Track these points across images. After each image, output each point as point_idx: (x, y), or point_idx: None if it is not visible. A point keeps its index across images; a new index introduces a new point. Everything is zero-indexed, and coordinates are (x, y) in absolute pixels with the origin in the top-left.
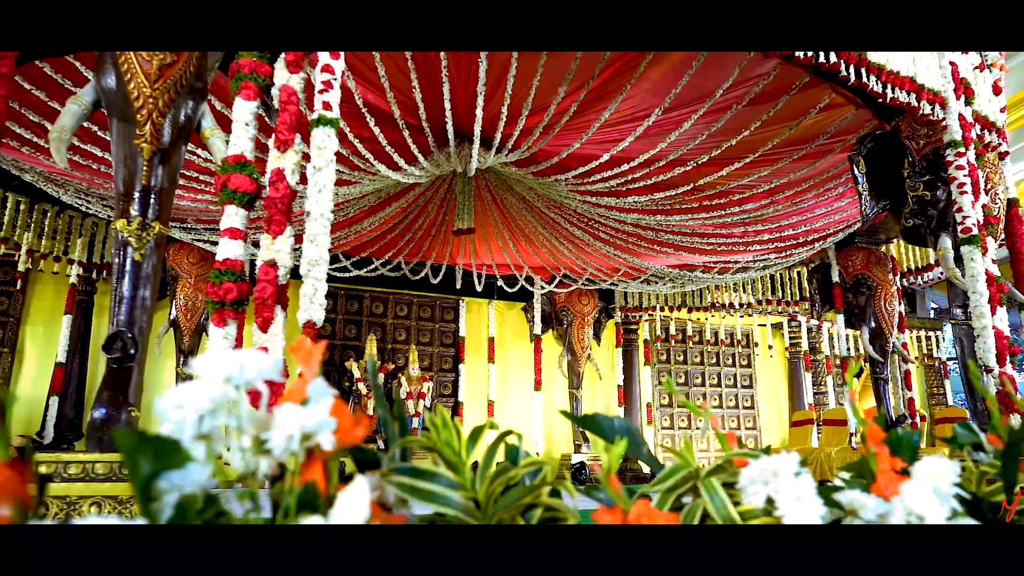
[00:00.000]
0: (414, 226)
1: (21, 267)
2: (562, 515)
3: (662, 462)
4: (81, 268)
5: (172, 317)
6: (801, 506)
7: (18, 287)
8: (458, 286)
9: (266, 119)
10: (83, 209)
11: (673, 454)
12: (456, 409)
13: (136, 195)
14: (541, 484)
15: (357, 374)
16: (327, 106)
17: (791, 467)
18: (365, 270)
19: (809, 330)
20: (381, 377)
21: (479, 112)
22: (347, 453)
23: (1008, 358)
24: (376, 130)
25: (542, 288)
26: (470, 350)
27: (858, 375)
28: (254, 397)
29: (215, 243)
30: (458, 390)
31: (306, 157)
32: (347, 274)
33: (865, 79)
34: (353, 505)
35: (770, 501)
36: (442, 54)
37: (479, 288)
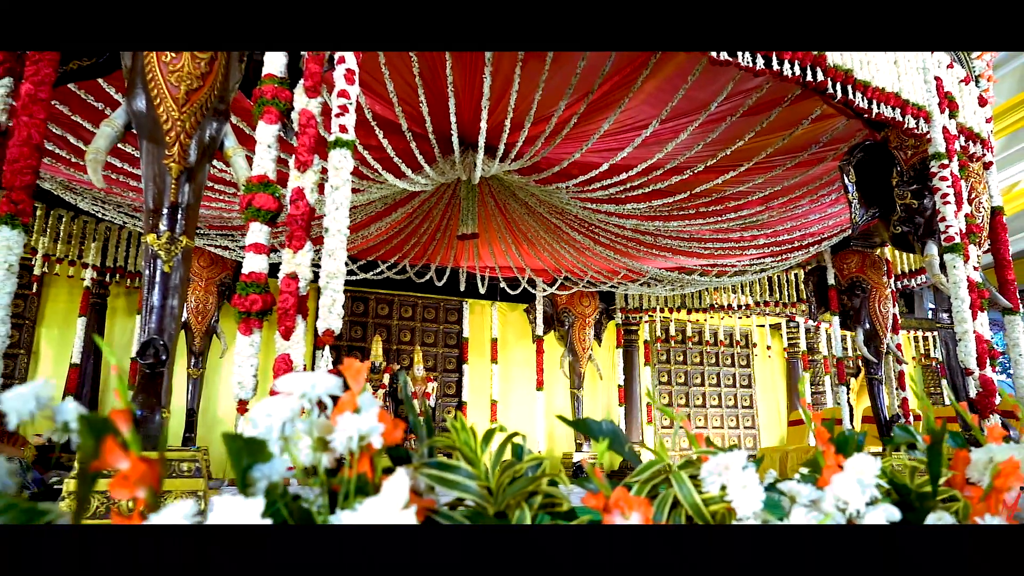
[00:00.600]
0: (419, 231)
1: (37, 271)
2: (558, 500)
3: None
4: (95, 272)
5: (183, 319)
6: (746, 492)
7: (34, 290)
8: (462, 288)
9: (284, 138)
10: (98, 215)
11: (650, 451)
12: (460, 408)
13: (165, 211)
14: (541, 476)
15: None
16: (343, 129)
17: (740, 462)
18: (371, 273)
19: (807, 331)
20: (386, 377)
21: (483, 124)
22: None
23: (988, 361)
24: (385, 142)
25: (544, 290)
26: (473, 351)
27: (856, 374)
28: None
29: (226, 247)
30: (462, 390)
31: (323, 171)
32: (353, 277)
33: (851, 96)
34: (395, 491)
35: (724, 488)
36: (448, 70)
37: (482, 290)
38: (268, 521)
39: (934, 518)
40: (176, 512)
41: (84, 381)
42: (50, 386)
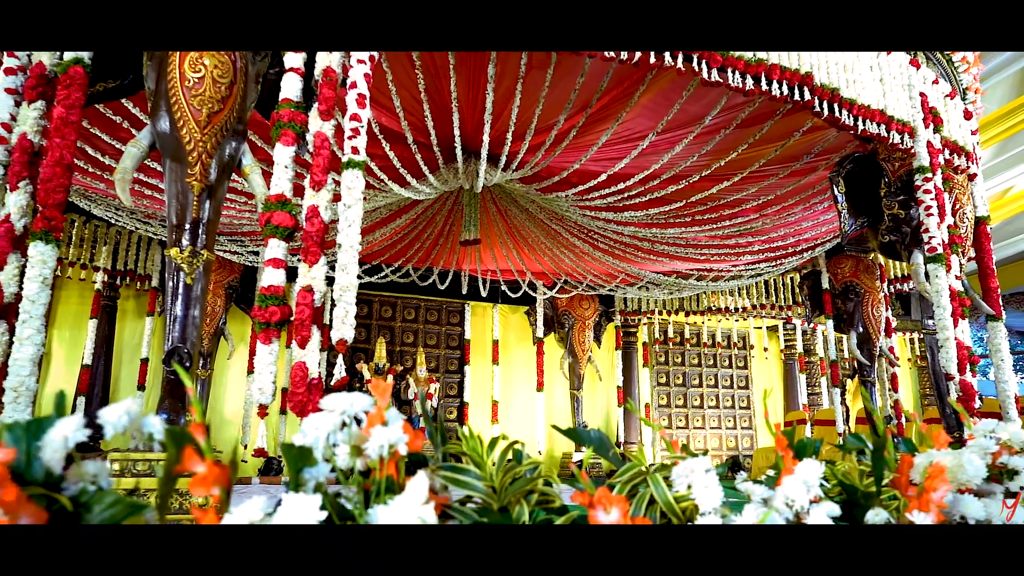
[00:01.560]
0: (423, 236)
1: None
2: (551, 497)
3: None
4: (106, 275)
5: None
6: (707, 491)
7: None
8: (464, 291)
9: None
10: (110, 220)
11: (629, 456)
12: (462, 409)
13: (187, 227)
14: (537, 477)
15: (367, 375)
16: (355, 151)
17: (703, 467)
18: (376, 277)
19: (804, 333)
20: (390, 379)
21: (486, 138)
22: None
23: (968, 366)
24: (391, 154)
25: (544, 293)
26: (475, 352)
27: (852, 376)
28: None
29: (235, 252)
30: (464, 391)
31: (336, 183)
32: (358, 280)
33: (837, 113)
34: (417, 490)
35: (690, 488)
36: (452, 85)
37: (484, 293)
38: (325, 514)
39: (872, 515)
40: (253, 508)
41: (95, 382)
42: (138, 403)
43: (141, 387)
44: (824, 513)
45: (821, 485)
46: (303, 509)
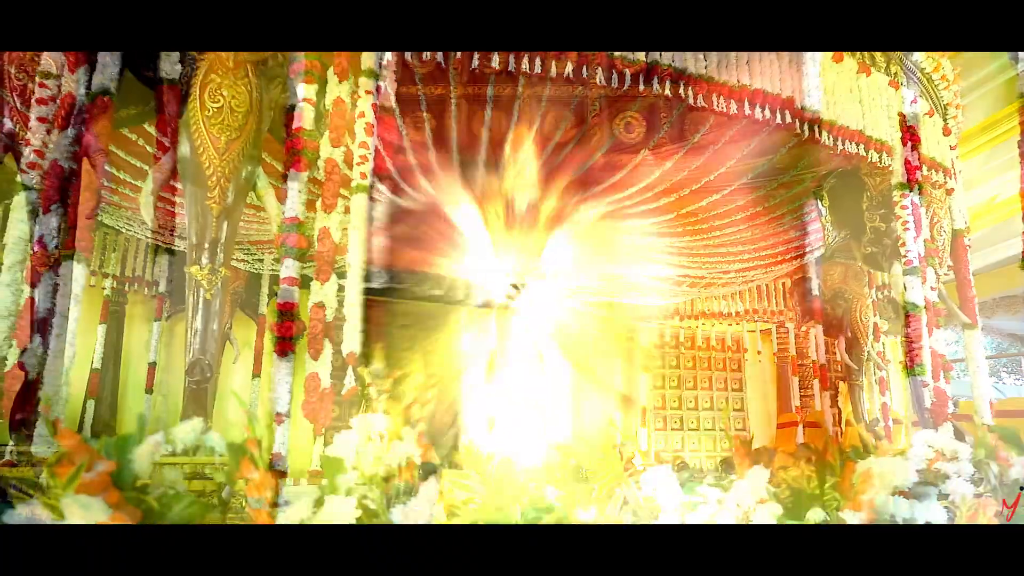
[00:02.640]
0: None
1: None
2: (541, 498)
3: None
4: (114, 281)
5: None
6: (669, 494)
7: None
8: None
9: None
10: (118, 228)
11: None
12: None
13: (206, 246)
14: (528, 481)
15: (368, 380)
16: (363, 176)
17: (666, 474)
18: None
19: (796, 336)
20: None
21: (483, 152)
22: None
23: (942, 374)
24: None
25: None
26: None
27: (845, 379)
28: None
29: (242, 260)
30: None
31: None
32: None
33: (818, 135)
34: (429, 492)
35: (655, 489)
36: (453, 106)
37: None
38: (359, 512)
39: (811, 514)
40: (302, 507)
41: (104, 385)
42: (200, 423)
43: (149, 391)
44: (768, 512)
45: (768, 488)
46: (342, 508)
